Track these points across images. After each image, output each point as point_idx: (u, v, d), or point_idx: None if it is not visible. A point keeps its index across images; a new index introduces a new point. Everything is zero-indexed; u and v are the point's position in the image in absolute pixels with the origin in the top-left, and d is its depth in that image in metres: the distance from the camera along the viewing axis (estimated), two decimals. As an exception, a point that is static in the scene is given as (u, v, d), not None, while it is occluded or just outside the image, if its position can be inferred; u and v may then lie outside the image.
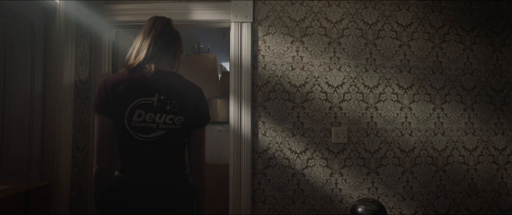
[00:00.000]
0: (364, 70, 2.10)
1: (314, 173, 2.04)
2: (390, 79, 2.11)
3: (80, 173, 2.01)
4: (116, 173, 1.23)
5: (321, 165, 2.04)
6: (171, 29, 1.32)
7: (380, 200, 2.04)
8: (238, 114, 2.01)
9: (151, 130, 1.19)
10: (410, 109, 2.11)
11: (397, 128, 2.09)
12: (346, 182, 2.04)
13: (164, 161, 1.24)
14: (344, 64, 2.10)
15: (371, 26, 2.13)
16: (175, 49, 1.33)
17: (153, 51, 1.23)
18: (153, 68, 1.20)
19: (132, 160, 1.21)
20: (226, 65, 4.19)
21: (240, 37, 2.05)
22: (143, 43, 1.24)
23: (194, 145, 1.32)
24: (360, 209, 1.73)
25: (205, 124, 1.34)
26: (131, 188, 1.19)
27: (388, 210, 2.04)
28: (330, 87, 2.08)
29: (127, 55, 1.27)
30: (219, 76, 2.88)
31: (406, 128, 2.09)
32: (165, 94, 1.21)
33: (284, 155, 2.04)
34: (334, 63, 2.09)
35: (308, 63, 2.08)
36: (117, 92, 1.17)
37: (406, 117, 2.10)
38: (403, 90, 2.11)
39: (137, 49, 1.24)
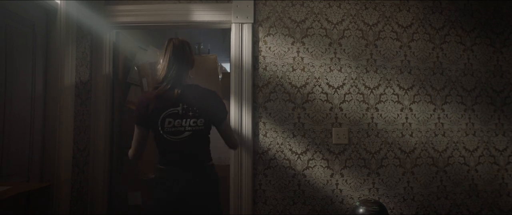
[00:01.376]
0: (364, 71, 2.10)
1: (315, 174, 2.04)
2: (390, 80, 2.11)
3: (81, 174, 2.00)
4: (158, 166, 1.58)
5: (321, 166, 2.04)
6: (186, 48, 1.61)
7: (381, 201, 2.04)
8: (239, 115, 2.02)
9: (180, 133, 1.53)
10: (411, 110, 2.11)
11: (397, 129, 2.09)
12: (347, 183, 2.04)
13: (192, 155, 1.57)
14: (345, 65, 2.10)
15: (372, 27, 2.13)
16: (191, 62, 1.63)
17: (174, 70, 1.54)
18: (176, 92, 1.52)
19: (168, 156, 1.56)
20: (227, 66, 4.19)
21: (240, 38, 2.05)
22: (166, 65, 1.55)
23: (224, 134, 1.66)
24: (361, 210, 1.73)
25: (225, 117, 1.64)
26: (171, 177, 1.53)
27: (389, 211, 2.04)
28: (331, 88, 2.08)
29: (157, 74, 1.61)
30: (220, 77, 2.88)
31: (406, 129, 2.10)
32: (187, 103, 1.54)
33: (285, 156, 2.04)
34: (335, 64, 2.09)
35: (308, 64, 2.08)
36: (150, 107, 1.52)
37: (406, 118, 2.10)
38: (404, 91, 2.11)
39: (162, 72, 1.56)
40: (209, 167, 1.62)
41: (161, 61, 1.58)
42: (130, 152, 1.59)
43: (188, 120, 1.53)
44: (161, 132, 1.52)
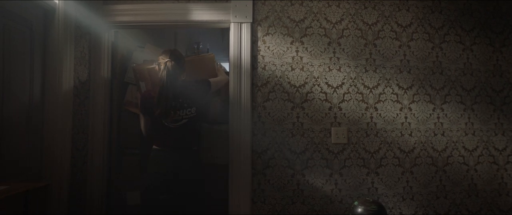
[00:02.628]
0: (364, 70, 2.10)
1: (314, 173, 2.03)
2: (390, 79, 2.10)
3: (79, 173, 2.00)
4: (155, 147, 1.95)
5: (320, 166, 2.04)
6: (179, 64, 1.91)
7: (380, 200, 2.04)
8: (237, 114, 2.01)
9: (179, 120, 1.92)
10: (410, 109, 2.10)
11: (397, 129, 2.09)
12: (345, 183, 2.04)
13: (185, 138, 1.95)
14: (344, 64, 2.09)
15: (371, 26, 2.13)
16: (183, 68, 1.98)
17: (171, 83, 1.86)
18: (173, 94, 1.88)
19: (166, 139, 1.93)
20: (226, 66, 4.18)
21: (239, 38, 2.05)
22: (164, 81, 1.85)
23: (217, 88, 2.18)
24: (359, 210, 1.72)
25: (209, 89, 2.02)
26: (165, 155, 1.92)
27: (388, 211, 2.04)
28: (330, 87, 2.08)
29: (156, 82, 2.07)
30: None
31: (406, 129, 2.09)
32: (182, 97, 1.92)
33: (284, 155, 2.03)
34: (334, 64, 2.09)
35: (307, 63, 2.08)
36: (153, 103, 1.87)
37: (406, 118, 2.10)
38: (403, 91, 2.11)
39: (161, 86, 1.87)
40: (194, 151, 2.01)
41: (159, 73, 1.89)
42: (144, 132, 2.04)
43: (185, 110, 1.91)
44: (164, 121, 1.90)
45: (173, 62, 1.86)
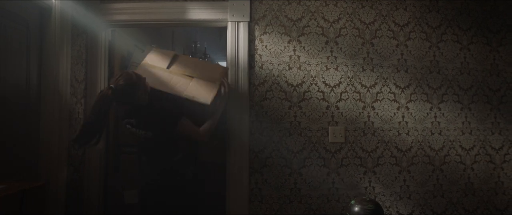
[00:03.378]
0: (361, 69, 2.10)
1: (311, 172, 2.04)
2: (387, 78, 2.11)
3: (76, 172, 2.00)
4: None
5: (318, 165, 2.04)
6: (129, 84, 1.65)
7: (377, 199, 2.04)
8: (235, 113, 2.01)
9: (139, 136, 1.75)
10: (407, 108, 2.11)
11: (394, 128, 2.09)
12: (343, 182, 2.04)
13: (156, 149, 1.81)
14: (341, 63, 2.09)
15: (368, 25, 2.13)
16: (136, 91, 1.68)
17: (103, 101, 1.62)
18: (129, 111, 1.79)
19: (140, 147, 1.90)
20: (223, 65, 4.18)
21: (237, 37, 2.04)
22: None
23: (183, 136, 1.78)
24: (356, 209, 1.72)
25: (172, 129, 1.73)
26: (145, 162, 1.88)
27: (385, 210, 2.04)
28: (327, 86, 2.08)
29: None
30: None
31: (403, 128, 2.10)
32: (138, 118, 1.74)
33: (281, 154, 2.03)
34: (331, 63, 2.09)
35: (305, 62, 2.08)
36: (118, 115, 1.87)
37: (403, 117, 2.10)
38: (400, 90, 2.11)
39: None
40: (175, 161, 1.82)
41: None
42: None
43: (140, 130, 1.74)
44: (126, 129, 1.81)
45: (109, 92, 1.61)
